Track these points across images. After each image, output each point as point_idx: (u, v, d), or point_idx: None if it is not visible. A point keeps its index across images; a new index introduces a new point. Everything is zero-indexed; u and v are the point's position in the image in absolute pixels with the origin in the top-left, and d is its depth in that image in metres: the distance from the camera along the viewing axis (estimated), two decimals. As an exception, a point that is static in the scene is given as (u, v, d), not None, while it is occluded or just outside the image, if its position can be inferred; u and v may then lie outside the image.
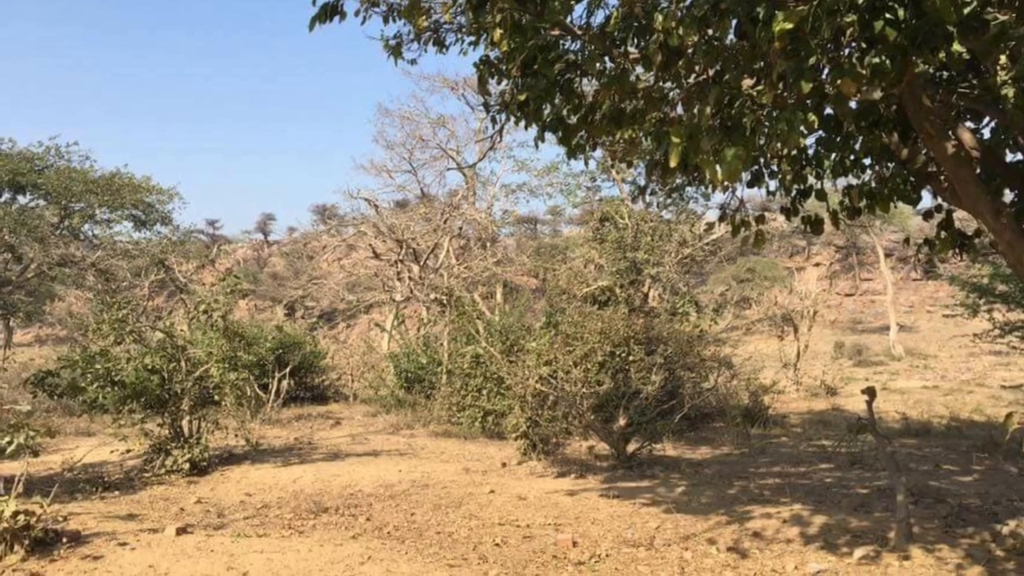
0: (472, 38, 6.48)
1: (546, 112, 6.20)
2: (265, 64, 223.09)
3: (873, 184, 6.60)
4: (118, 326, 12.72)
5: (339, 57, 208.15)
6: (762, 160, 6.28)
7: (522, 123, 6.36)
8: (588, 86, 6.36)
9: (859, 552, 7.51)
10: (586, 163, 7.27)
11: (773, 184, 6.65)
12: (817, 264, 70.26)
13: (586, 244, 24.59)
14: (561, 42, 6.02)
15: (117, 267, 36.30)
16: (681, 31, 4.80)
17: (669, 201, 21.83)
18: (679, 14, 4.84)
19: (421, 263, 30.97)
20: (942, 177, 5.96)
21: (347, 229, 39.22)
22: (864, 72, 4.62)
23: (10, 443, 8.36)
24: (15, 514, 7.29)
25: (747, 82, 5.18)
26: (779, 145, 5.04)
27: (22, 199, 33.11)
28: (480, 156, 32.34)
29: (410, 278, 30.26)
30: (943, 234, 6.40)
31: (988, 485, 10.64)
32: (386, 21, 6.54)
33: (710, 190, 13.73)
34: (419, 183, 35.40)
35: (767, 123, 4.91)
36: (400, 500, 10.36)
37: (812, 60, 4.59)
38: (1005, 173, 5.93)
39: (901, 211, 37.47)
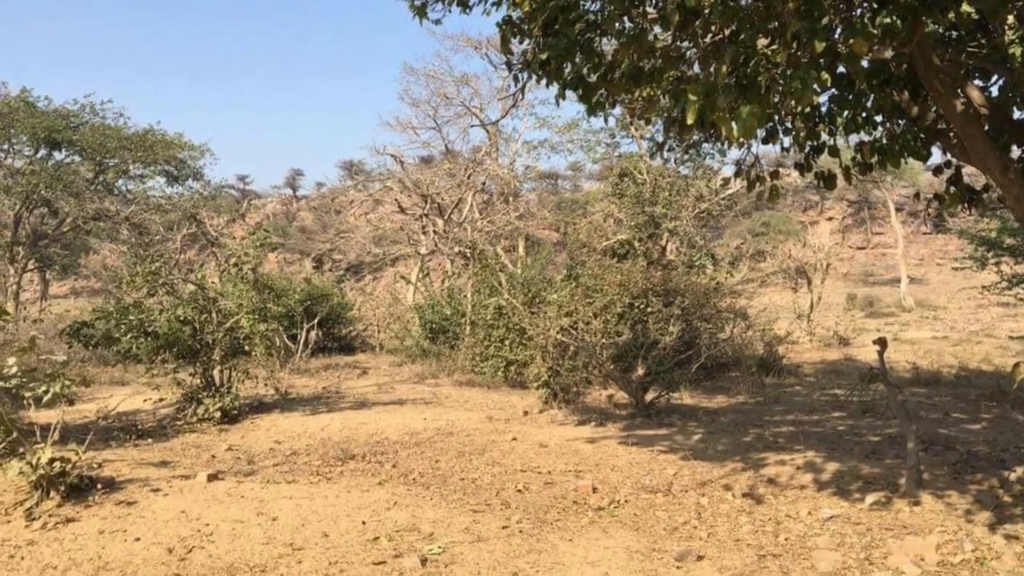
0: (495, -1, 6.59)
1: (567, 71, 6.24)
2: (294, 24, 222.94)
3: (884, 140, 6.64)
4: (151, 278, 12.92)
5: (366, 17, 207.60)
6: (776, 117, 6.30)
7: (543, 81, 6.39)
8: (608, 45, 6.40)
9: (870, 498, 7.63)
10: (605, 120, 7.34)
11: (787, 140, 6.65)
12: (830, 218, 70.14)
13: (606, 199, 24.66)
14: (581, 2, 6.04)
15: (150, 221, 36.73)
16: (698, -8, 4.89)
17: (686, 157, 21.74)
18: (696, -25, 4.92)
19: (445, 217, 31.20)
20: (951, 134, 6.01)
21: (374, 184, 39.32)
22: (875, 32, 4.70)
23: (46, 392, 8.46)
24: (51, 461, 7.41)
25: (762, 41, 5.21)
26: (793, 103, 5.14)
27: (58, 155, 33.48)
28: (503, 113, 32.14)
29: (435, 232, 30.47)
30: (952, 189, 6.47)
31: (996, 433, 10.76)
32: (412, -18, 6.63)
33: (726, 146, 13.74)
34: (443, 139, 35.29)
35: (781, 81, 4.96)
36: (425, 447, 10.47)
37: (825, 20, 4.67)
38: (1013, 130, 5.97)
39: (911, 167, 37.32)
